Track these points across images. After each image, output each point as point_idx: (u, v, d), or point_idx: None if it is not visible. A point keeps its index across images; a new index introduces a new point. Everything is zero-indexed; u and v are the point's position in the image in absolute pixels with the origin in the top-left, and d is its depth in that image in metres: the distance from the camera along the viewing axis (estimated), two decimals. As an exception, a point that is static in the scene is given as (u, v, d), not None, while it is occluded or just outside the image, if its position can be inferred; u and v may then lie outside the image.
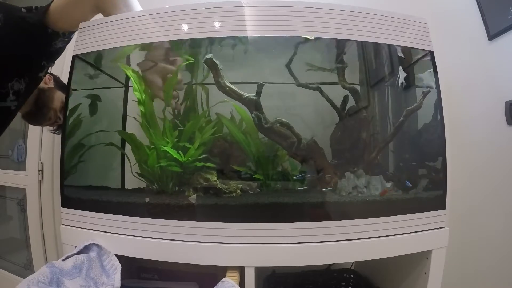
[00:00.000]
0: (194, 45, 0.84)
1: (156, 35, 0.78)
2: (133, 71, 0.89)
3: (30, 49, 0.75)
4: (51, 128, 1.04)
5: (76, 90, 0.88)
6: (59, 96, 0.96)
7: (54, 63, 0.88)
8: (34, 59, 0.77)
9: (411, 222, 0.73)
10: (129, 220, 0.72)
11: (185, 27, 0.77)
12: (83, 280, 0.64)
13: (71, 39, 0.83)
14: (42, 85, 0.92)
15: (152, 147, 0.85)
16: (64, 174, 0.83)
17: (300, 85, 0.91)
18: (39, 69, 0.80)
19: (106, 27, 0.80)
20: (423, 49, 0.81)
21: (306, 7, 0.75)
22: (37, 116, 0.95)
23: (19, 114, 0.91)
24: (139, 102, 0.88)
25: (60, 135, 0.99)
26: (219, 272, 0.70)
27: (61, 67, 1.21)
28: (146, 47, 0.83)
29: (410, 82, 0.88)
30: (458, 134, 1.09)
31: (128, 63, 0.91)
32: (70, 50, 0.87)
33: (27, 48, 0.74)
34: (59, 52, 0.83)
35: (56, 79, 1.00)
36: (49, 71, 0.95)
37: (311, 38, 0.76)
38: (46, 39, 0.76)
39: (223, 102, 0.88)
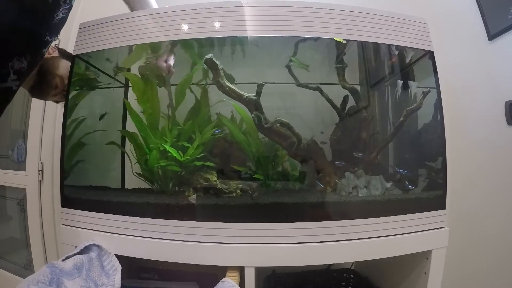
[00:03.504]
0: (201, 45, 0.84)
1: (156, 35, 0.78)
2: (136, 77, 0.89)
3: (32, 24, 0.69)
4: (63, 103, 0.94)
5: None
6: (65, 64, 0.90)
7: (58, 36, 0.81)
8: (36, 34, 0.72)
9: (411, 222, 0.73)
10: (129, 220, 0.72)
11: (185, 27, 0.77)
12: (83, 280, 0.64)
13: (72, 6, 0.76)
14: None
15: (151, 145, 0.85)
16: (64, 174, 0.83)
17: (300, 85, 0.91)
18: (42, 45, 0.75)
19: (106, 27, 0.80)
20: (423, 49, 0.81)
21: (306, 7, 0.75)
22: (42, 86, 0.88)
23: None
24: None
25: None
26: (219, 272, 0.70)
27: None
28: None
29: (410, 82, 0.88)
30: (458, 134, 1.09)
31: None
32: (70, 50, 0.87)
33: (28, 23, 0.68)
34: (62, 22, 0.77)
35: (61, 51, 0.94)
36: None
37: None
38: (47, 10, 0.70)
39: (222, 101, 0.88)
